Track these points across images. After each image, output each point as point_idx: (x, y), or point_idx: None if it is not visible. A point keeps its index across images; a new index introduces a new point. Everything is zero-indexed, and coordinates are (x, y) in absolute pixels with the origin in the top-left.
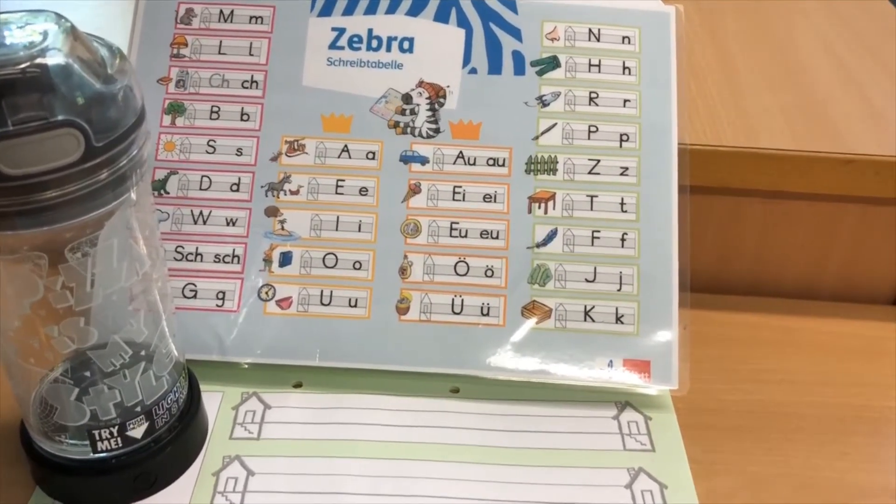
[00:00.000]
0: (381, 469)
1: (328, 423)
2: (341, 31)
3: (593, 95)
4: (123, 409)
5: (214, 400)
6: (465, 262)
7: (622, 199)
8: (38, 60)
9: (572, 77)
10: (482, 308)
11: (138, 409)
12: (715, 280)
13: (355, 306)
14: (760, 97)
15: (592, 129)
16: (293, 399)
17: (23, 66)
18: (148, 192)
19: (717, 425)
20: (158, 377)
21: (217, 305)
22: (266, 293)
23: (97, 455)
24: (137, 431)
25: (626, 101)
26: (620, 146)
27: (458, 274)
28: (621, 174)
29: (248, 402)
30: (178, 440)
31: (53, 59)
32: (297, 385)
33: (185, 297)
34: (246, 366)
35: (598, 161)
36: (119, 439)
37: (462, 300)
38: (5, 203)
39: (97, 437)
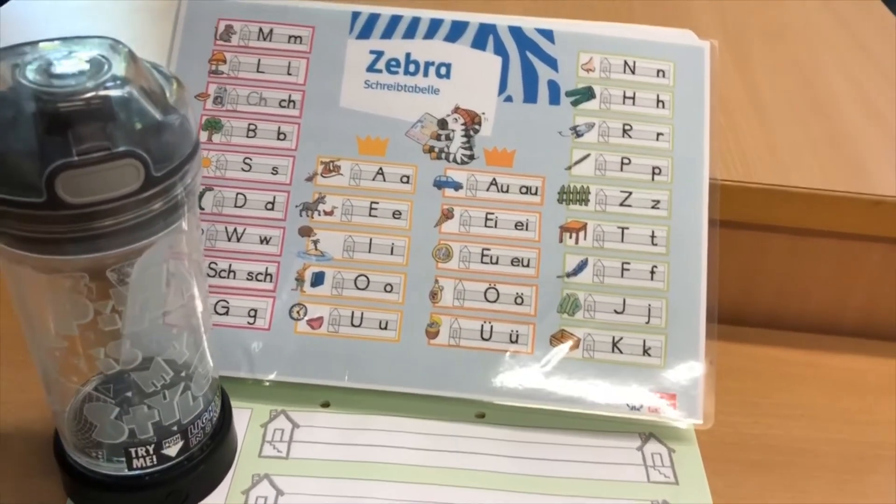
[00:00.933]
0: (408, 493)
1: (356, 444)
2: (379, 54)
3: (627, 128)
4: (160, 428)
5: (243, 417)
6: (496, 289)
7: (653, 232)
8: (102, 92)
9: (607, 108)
10: (511, 335)
11: (175, 428)
12: (738, 312)
13: (385, 328)
14: (790, 132)
15: (625, 160)
16: (321, 419)
17: (87, 96)
18: (196, 215)
19: (740, 459)
20: (196, 397)
21: (248, 323)
22: (297, 312)
23: (132, 472)
24: (172, 450)
25: (659, 134)
26: (652, 179)
27: (488, 300)
28: (652, 207)
29: (276, 419)
30: (210, 458)
31: (116, 90)
32: (325, 404)
33: (217, 313)
34: (270, 384)
35: (630, 193)
36: (154, 457)
37: (491, 326)
38: (61, 230)
39: (133, 455)
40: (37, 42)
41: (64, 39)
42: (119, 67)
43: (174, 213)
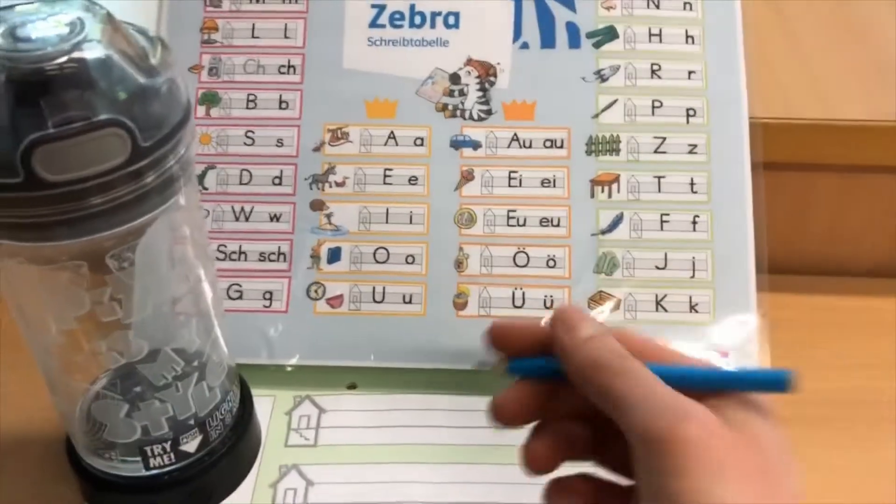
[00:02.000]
0: (445, 475)
1: (386, 426)
2: (381, 7)
3: (655, 68)
4: (176, 422)
5: (266, 405)
6: (525, 253)
7: (692, 179)
8: (77, 54)
9: (632, 49)
10: (545, 301)
11: (191, 422)
12: (786, 260)
13: (410, 303)
14: (830, 61)
15: (656, 104)
16: (348, 401)
17: (60, 60)
18: (194, 191)
19: (797, 417)
20: (211, 387)
21: (264, 306)
22: (315, 292)
23: (150, 472)
24: (191, 445)
25: (690, 72)
26: (687, 122)
27: (517, 265)
28: (689, 152)
29: (301, 405)
30: (232, 452)
31: (92, 52)
32: (352, 386)
33: (230, 298)
34: (292, 368)
35: (664, 139)
36: (172, 454)
37: (523, 293)
38: (47, 212)
39: (149, 454)
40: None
41: (30, 2)
42: (95, 29)
43: (169, 186)
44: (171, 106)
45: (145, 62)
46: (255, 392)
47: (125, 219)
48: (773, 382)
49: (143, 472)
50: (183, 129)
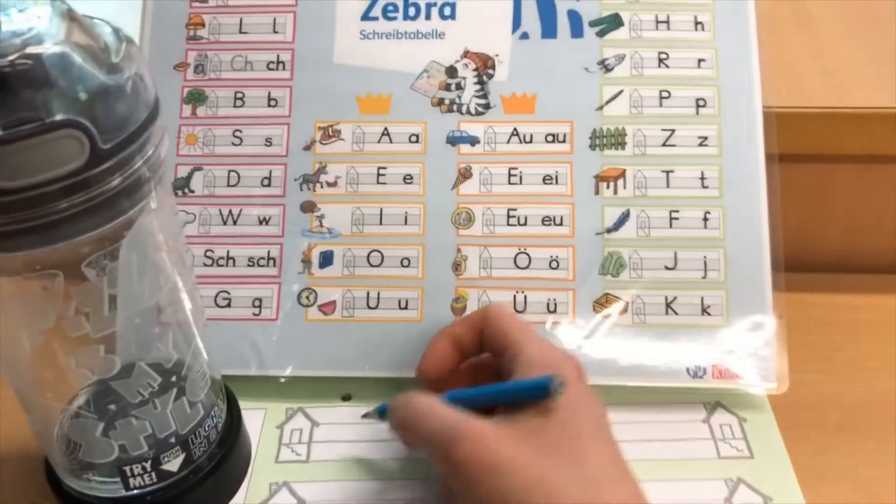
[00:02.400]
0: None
1: (382, 440)
2: None
3: (663, 56)
4: (156, 441)
5: (256, 418)
6: (527, 254)
7: (702, 174)
8: (30, 50)
9: (638, 37)
10: (548, 304)
11: (173, 439)
12: (803, 257)
13: (406, 308)
14: (844, 48)
15: (664, 94)
16: (343, 414)
17: (11, 57)
18: (168, 193)
19: (820, 423)
20: (193, 403)
21: (254, 314)
22: (307, 298)
23: (130, 492)
24: (173, 464)
25: (700, 60)
26: (697, 113)
27: (518, 267)
28: (700, 145)
29: (293, 419)
30: (219, 469)
31: (48, 48)
32: (346, 397)
33: (217, 306)
34: (284, 380)
35: (673, 131)
36: (153, 474)
37: (525, 296)
38: (3, 221)
39: (128, 473)
40: None
41: None
42: (52, 23)
43: (137, 189)
44: (135, 104)
45: (106, 57)
46: (245, 405)
47: (92, 225)
48: (538, 389)
49: (124, 493)
50: (150, 128)
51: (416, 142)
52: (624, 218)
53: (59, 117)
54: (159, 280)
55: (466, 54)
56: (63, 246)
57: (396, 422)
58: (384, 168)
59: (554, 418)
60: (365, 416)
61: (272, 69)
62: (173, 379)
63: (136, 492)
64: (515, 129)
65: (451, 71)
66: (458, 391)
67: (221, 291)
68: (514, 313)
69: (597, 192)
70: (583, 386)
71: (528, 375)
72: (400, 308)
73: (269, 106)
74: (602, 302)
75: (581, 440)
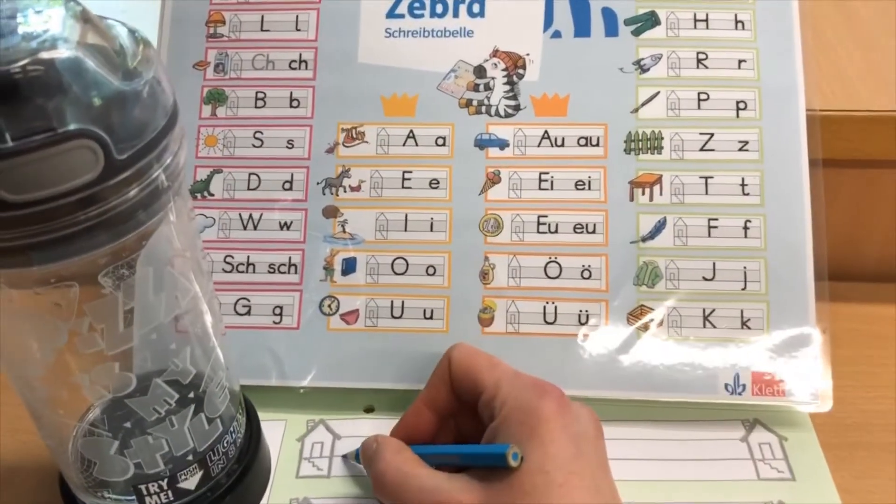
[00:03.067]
0: None
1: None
2: None
3: (701, 56)
4: (173, 458)
5: (276, 430)
6: (557, 263)
7: (743, 180)
8: (43, 55)
9: (675, 36)
10: (580, 316)
11: (190, 457)
12: (843, 265)
13: (431, 318)
14: (892, 47)
15: (702, 96)
16: (365, 427)
17: (22, 62)
18: (186, 200)
19: (865, 443)
20: (212, 419)
21: (274, 322)
22: (329, 306)
23: None
24: (190, 482)
25: (741, 61)
26: (737, 116)
27: (548, 276)
28: (740, 149)
29: (314, 431)
30: (238, 486)
31: (61, 53)
32: (369, 409)
33: (237, 313)
34: (304, 390)
35: (712, 135)
36: (170, 492)
37: (555, 307)
38: (14, 235)
39: (144, 492)
40: None
41: None
42: (65, 26)
43: (156, 201)
44: (152, 111)
45: (123, 62)
46: (264, 416)
47: (107, 238)
48: (496, 458)
49: None
50: (167, 137)
51: (443, 145)
52: (660, 226)
53: (72, 126)
54: (176, 295)
55: (496, 53)
56: (77, 261)
57: (372, 475)
58: (409, 172)
59: (521, 479)
60: (344, 457)
61: (294, 68)
62: (191, 395)
63: None
64: (546, 131)
65: (480, 71)
66: (424, 446)
67: (241, 298)
68: (478, 350)
69: (632, 199)
70: (563, 420)
71: (507, 423)
72: (425, 318)
73: (291, 107)
74: (636, 314)
75: (548, 496)
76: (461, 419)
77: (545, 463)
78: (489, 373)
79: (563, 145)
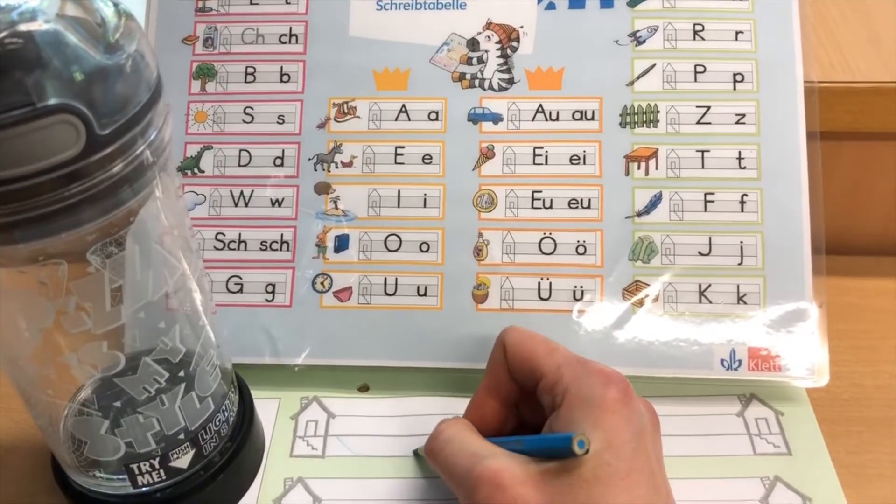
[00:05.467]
0: None
1: (402, 434)
2: None
3: (698, 28)
4: (164, 437)
5: (270, 408)
6: (552, 238)
7: (739, 153)
8: (21, 27)
9: (671, 7)
10: (574, 292)
11: (181, 436)
12: (846, 240)
13: (425, 295)
14: (892, 17)
15: (699, 68)
16: (360, 405)
17: (0, 35)
18: (172, 176)
19: (862, 418)
20: (203, 397)
21: (266, 300)
22: (322, 284)
23: (139, 490)
24: (183, 461)
25: (738, 32)
26: (734, 88)
27: (543, 252)
28: (737, 122)
29: (308, 409)
30: (231, 464)
31: (40, 25)
32: (363, 388)
33: (229, 291)
34: (298, 368)
35: (708, 108)
36: (162, 471)
37: (550, 283)
38: None
39: (136, 471)
40: None
41: None
42: None
43: (141, 177)
44: (135, 85)
45: (105, 35)
46: (258, 394)
47: (90, 216)
48: (561, 449)
49: (132, 490)
50: (151, 111)
51: (436, 119)
52: (656, 200)
53: (52, 101)
54: (164, 273)
55: (489, 26)
56: (63, 238)
57: (426, 451)
58: (402, 147)
59: (582, 468)
60: (414, 452)
61: (284, 42)
62: (181, 373)
63: (144, 489)
64: (541, 105)
65: (473, 44)
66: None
67: (233, 276)
68: (533, 333)
69: (627, 173)
70: (627, 412)
71: (570, 411)
72: (419, 295)
73: (282, 81)
74: (632, 289)
75: (610, 488)
76: (524, 407)
77: (609, 455)
78: (548, 358)
79: (557, 119)
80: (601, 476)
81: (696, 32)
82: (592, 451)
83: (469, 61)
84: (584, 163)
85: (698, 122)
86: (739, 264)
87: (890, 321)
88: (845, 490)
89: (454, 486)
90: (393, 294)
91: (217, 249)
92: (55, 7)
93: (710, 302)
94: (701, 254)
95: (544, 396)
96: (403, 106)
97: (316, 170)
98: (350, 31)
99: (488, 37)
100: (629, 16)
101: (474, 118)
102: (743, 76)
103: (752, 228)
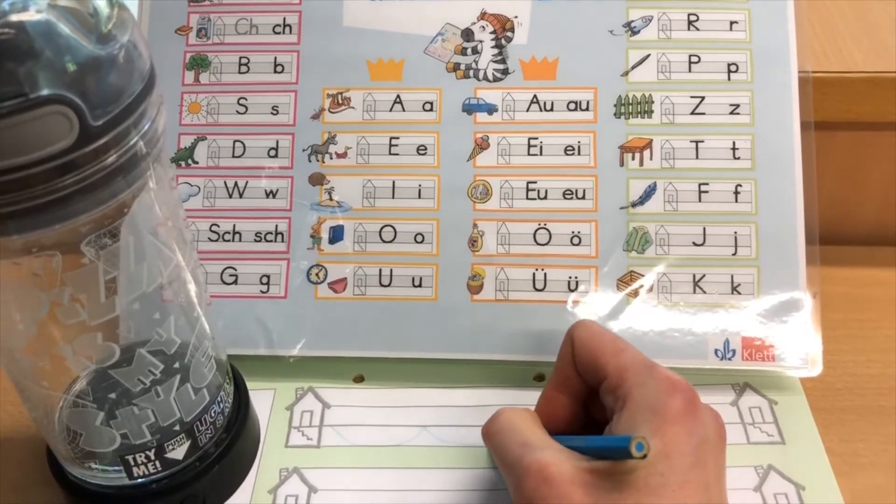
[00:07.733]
0: (461, 481)
1: (397, 424)
2: None
3: (692, 18)
4: (159, 429)
5: (265, 399)
6: (547, 229)
7: (734, 144)
8: (12, 18)
9: None
10: (569, 282)
11: (177, 427)
12: (834, 229)
13: (420, 286)
14: (887, 8)
15: (693, 59)
16: (355, 396)
17: None
18: (166, 167)
19: (855, 407)
20: (198, 388)
21: (261, 291)
22: (316, 275)
23: (134, 481)
24: (178, 452)
25: (732, 22)
26: (729, 78)
27: (538, 243)
28: (731, 113)
29: (303, 399)
30: (226, 455)
31: (32, 16)
32: (359, 379)
33: (224, 283)
34: (293, 359)
35: (703, 98)
36: (157, 463)
37: (545, 274)
38: None
39: (132, 462)
40: None
41: None
42: None
43: (134, 168)
44: (128, 76)
45: (97, 25)
46: (253, 385)
47: (84, 207)
48: (619, 451)
49: (127, 482)
50: (145, 102)
51: (431, 110)
52: (650, 191)
53: (44, 92)
54: (159, 264)
55: (484, 16)
56: (57, 229)
57: (482, 432)
58: (396, 138)
59: (634, 475)
60: None
61: (278, 33)
62: (176, 365)
63: (140, 480)
64: (535, 96)
65: (468, 34)
66: (561, 437)
67: (228, 268)
68: (603, 331)
69: (621, 164)
70: (690, 423)
71: (631, 417)
72: (414, 286)
73: (276, 72)
74: (626, 280)
75: (660, 498)
76: (595, 404)
77: (663, 465)
78: (614, 358)
79: (552, 110)
80: (652, 485)
81: (690, 22)
82: (647, 460)
83: (463, 51)
84: (579, 153)
85: (693, 113)
86: (733, 254)
87: (883, 311)
88: (838, 478)
89: (504, 471)
90: (388, 285)
91: (211, 241)
92: None
93: (705, 292)
94: (695, 244)
95: (607, 398)
96: (398, 96)
97: (310, 161)
98: (344, 22)
99: (483, 27)
100: (624, 5)
101: (469, 109)
102: (737, 66)
103: (747, 218)
